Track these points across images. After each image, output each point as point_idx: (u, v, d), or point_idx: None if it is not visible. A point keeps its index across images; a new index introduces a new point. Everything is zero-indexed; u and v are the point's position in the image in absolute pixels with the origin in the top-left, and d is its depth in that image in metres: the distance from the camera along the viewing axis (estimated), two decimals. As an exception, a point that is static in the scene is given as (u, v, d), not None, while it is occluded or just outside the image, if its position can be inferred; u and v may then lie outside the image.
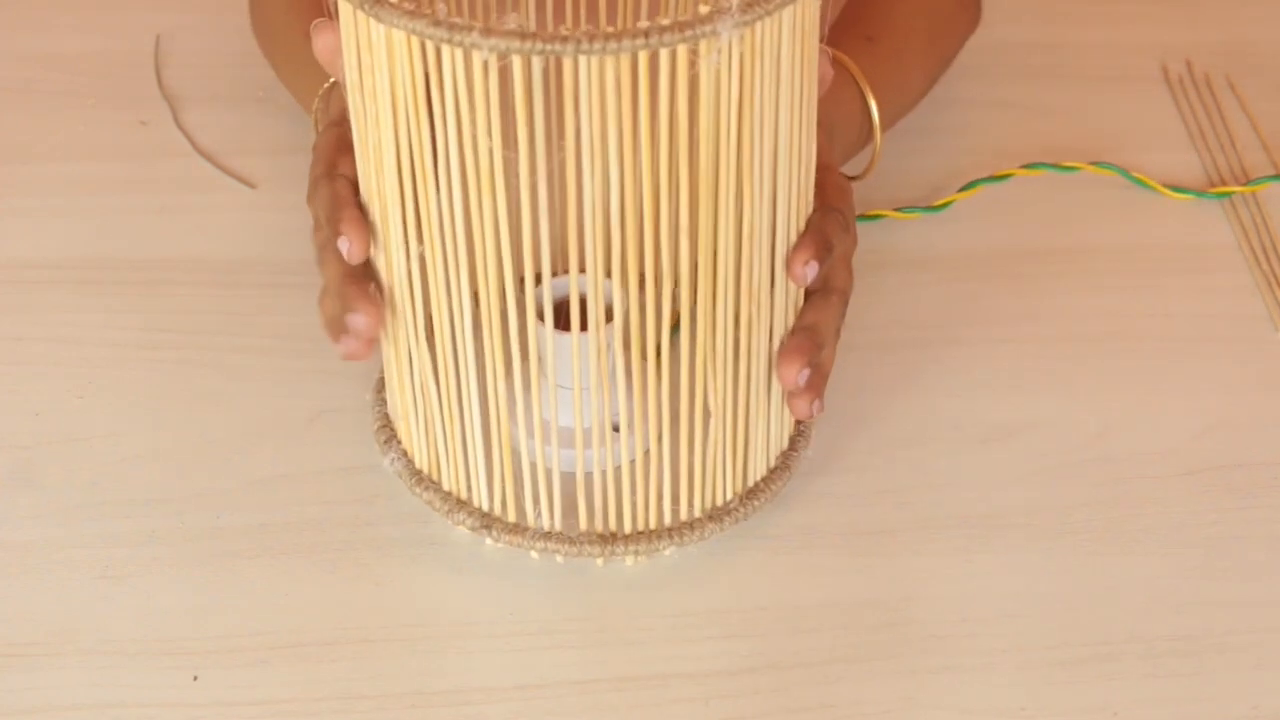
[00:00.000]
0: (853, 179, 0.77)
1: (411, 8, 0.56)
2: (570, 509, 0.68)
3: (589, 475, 0.66)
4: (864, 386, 0.77)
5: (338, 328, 0.67)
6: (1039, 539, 0.71)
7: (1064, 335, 0.81)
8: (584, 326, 0.63)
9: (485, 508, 0.69)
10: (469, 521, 0.68)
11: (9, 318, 0.81)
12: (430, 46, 0.57)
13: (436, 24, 0.55)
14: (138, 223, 0.86)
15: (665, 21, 0.55)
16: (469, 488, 0.69)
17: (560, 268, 0.61)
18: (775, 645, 0.67)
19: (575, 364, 0.64)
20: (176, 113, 0.94)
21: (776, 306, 0.66)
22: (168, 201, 0.88)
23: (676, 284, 0.62)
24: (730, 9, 0.55)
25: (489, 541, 0.69)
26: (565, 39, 0.54)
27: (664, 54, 0.56)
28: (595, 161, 0.58)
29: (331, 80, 0.76)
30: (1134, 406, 0.77)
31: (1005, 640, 0.67)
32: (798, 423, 0.72)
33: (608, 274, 0.61)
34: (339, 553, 0.70)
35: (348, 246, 0.65)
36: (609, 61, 0.55)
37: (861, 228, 0.83)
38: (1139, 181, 0.89)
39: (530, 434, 0.68)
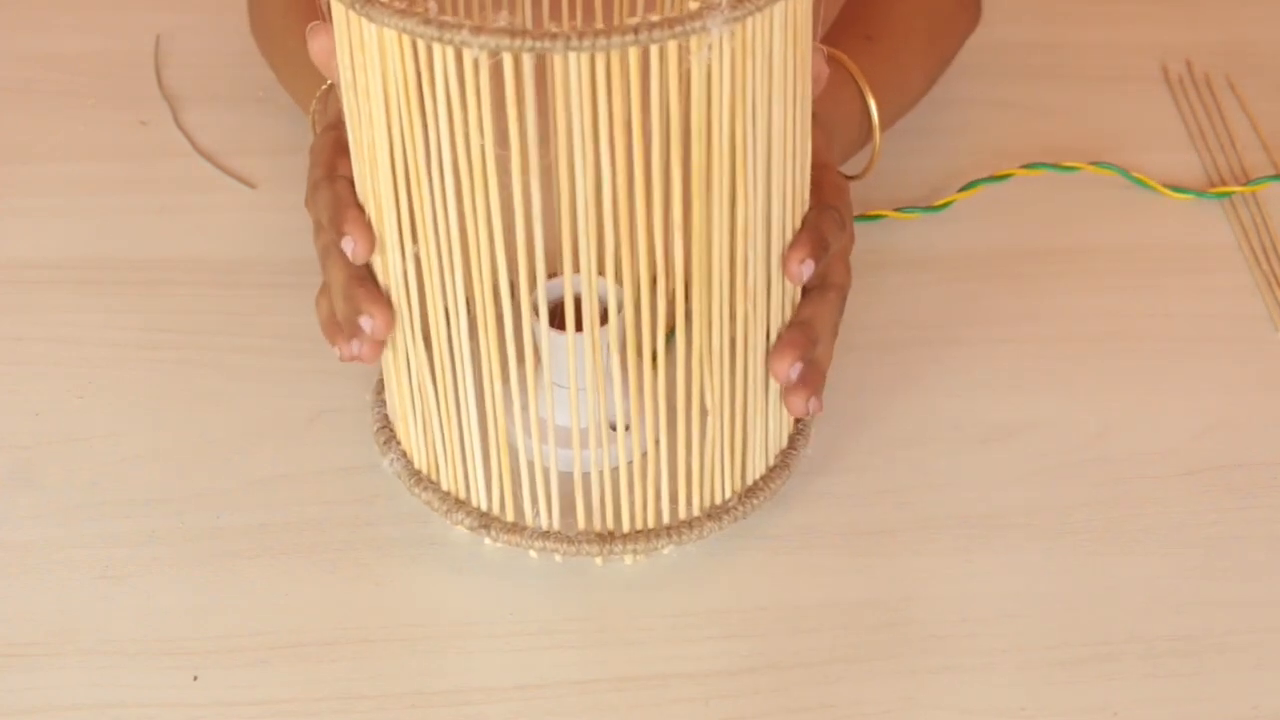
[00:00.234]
0: (851, 178, 0.77)
1: (402, 7, 0.56)
2: (569, 508, 0.68)
3: (587, 474, 0.66)
4: (864, 386, 0.77)
5: (336, 329, 0.67)
6: (1039, 539, 0.71)
7: (1064, 335, 0.81)
8: (579, 326, 0.63)
9: (484, 507, 0.69)
10: (467, 521, 0.68)
11: (9, 318, 0.81)
12: (421, 45, 0.57)
13: (427, 22, 0.55)
14: (138, 223, 0.86)
15: (655, 18, 0.55)
16: (467, 488, 0.69)
17: (556, 267, 0.61)
18: (775, 645, 0.67)
19: (571, 363, 0.64)
20: (176, 113, 0.94)
21: (773, 304, 0.66)
22: (168, 201, 0.88)
23: (672, 284, 0.62)
24: (720, 5, 0.55)
25: (488, 541, 0.69)
26: (555, 36, 0.54)
27: (654, 51, 0.56)
28: (587, 159, 0.58)
29: (329, 82, 0.77)
30: (1134, 406, 0.77)
31: (1005, 640, 0.67)
32: (797, 421, 0.72)
33: (601, 273, 0.61)
34: (339, 553, 0.70)
35: (352, 246, 0.65)
36: (599, 58, 0.55)
37: (861, 228, 0.83)
38: (1139, 181, 0.88)
39: (528, 433, 0.68)
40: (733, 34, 0.57)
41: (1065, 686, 0.66)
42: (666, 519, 0.68)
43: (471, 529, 0.69)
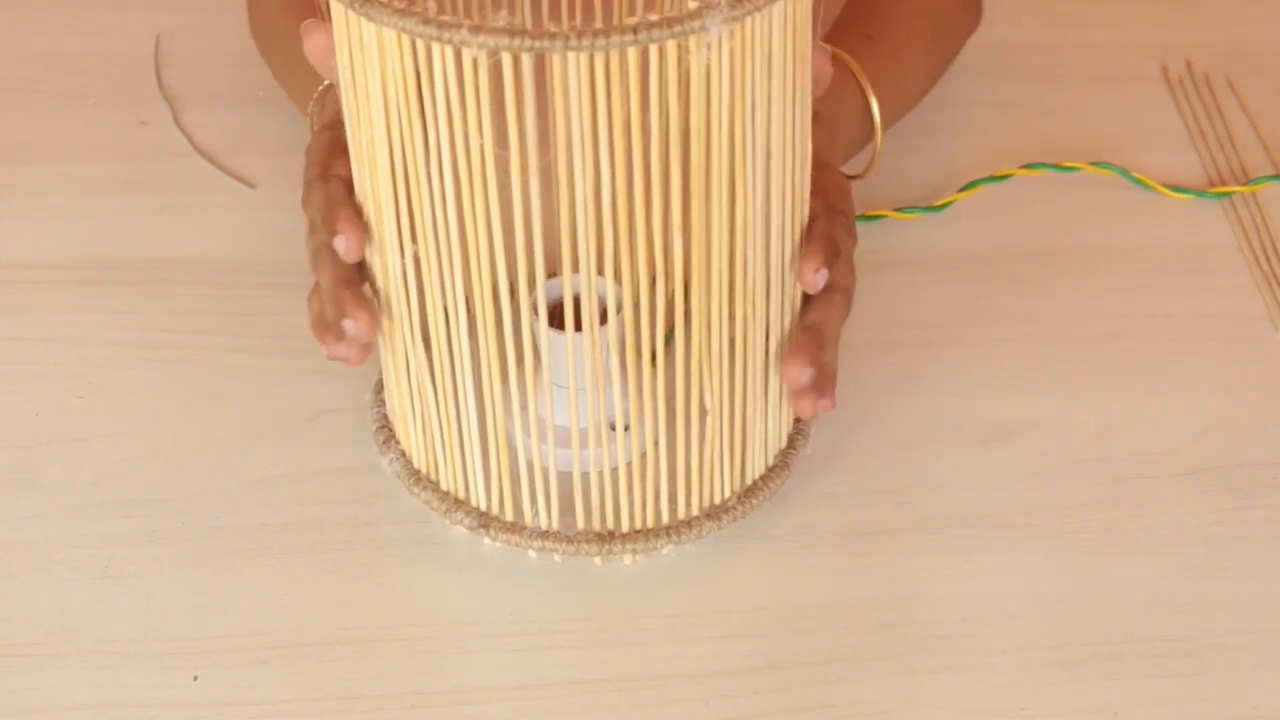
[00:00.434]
0: (852, 178, 0.77)
1: (401, 6, 0.56)
2: (568, 508, 0.68)
3: (586, 474, 0.66)
4: (864, 386, 0.77)
5: (325, 328, 0.66)
6: (1039, 539, 0.71)
7: (1064, 335, 0.81)
8: (579, 326, 0.63)
9: (483, 507, 0.69)
10: (467, 521, 0.68)
11: (9, 318, 0.81)
12: (421, 45, 0.57)
13: (426, 22, 0.55)
14: (138, 223, 0.86)
15: (654, 18, 0.55)
16: (467, 487, 0.69)
17: (556, 267, 0.61)
18: (775, 645, 0.67)
19: (570, 363, 0.64)
20: (176, 113, 0.94)
21: (773, 304, 0.66)
22: (168, 201, 0.88)
23: (671, 284, 0.62)
24: (720, 5, 0.55)
25: (487, 541, 0.69)
26: (554, 35, 0.54)
27: (654, 51, 0.56)
28: (586, 159, 0.58)
29: (326, 82, 0.77)
30: (1134, 406, 0.77)
31: (1005, 640, 0.67)
32: (796, 421, 0.72)
33: (601, 273, 0.61)
34: (339, 553, 0.70)
35: (344, 245, 0.65)
36: (599, 58, 0.55)
37: (862, 228, 0.83)
38: (1139, 181, 0.88)
39: (527, 433, 0.68)
40: (732, 34, 0.57)
41: (1065, 686, 0.66)
42: (666, 519, 0.68)
43: (471, 529, 0.69)
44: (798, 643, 0.67)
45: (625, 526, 0.68)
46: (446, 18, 0.55)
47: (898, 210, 0.86)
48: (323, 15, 0.62)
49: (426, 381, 0.66)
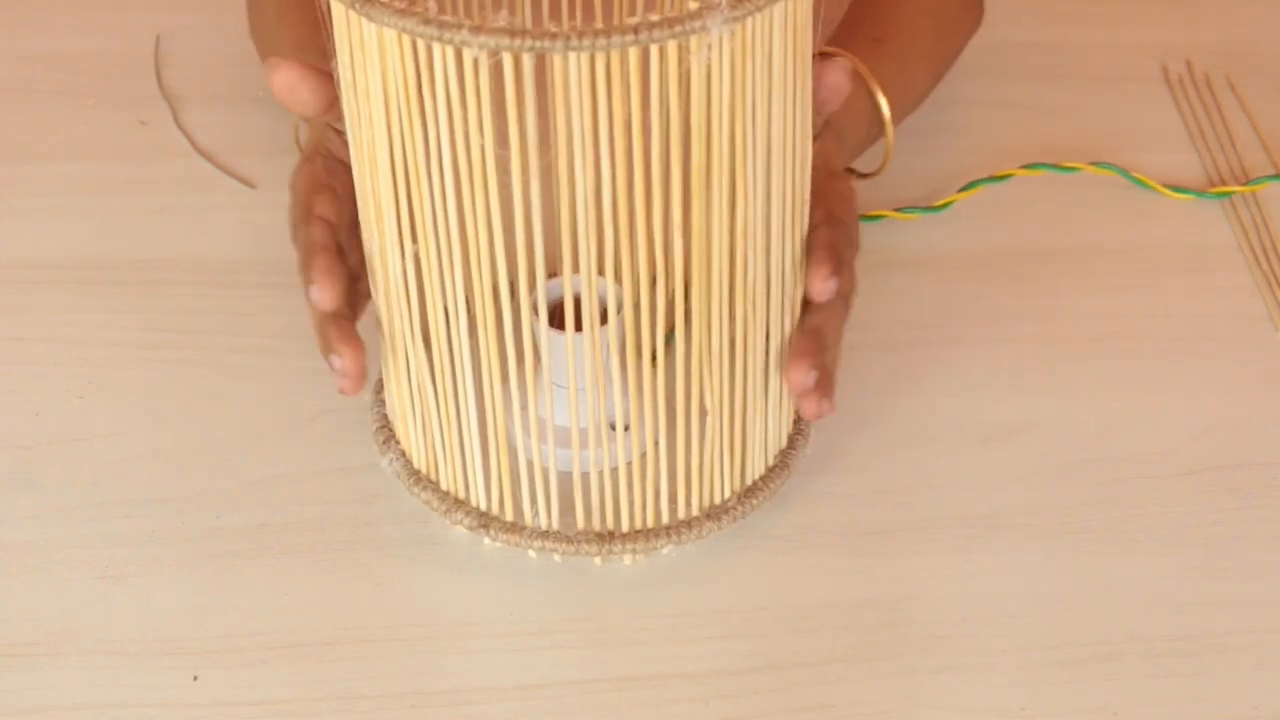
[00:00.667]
0: (865, 176, 0.77)
1: (402, 6, 0.56)
2: (568, 508, 0.68)
3: (586, 474, 0.66)
4: (864, 386, 0.77)
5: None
6: (1039, 539, 0.71)
7: (1064, 335, 0.81)
8: (579, 326, 0.63)
9: (483, 507, 0.69)
10: (467, 521, 0.68)
11: (9, 318, 0.81)
12: (421, 45, 0.57)
13: (427, 22, 0.55)
14: (138, 223, 0.86)
15: (655, 18, 0.55)
16: (466, 487, 0.69)
17: (556, 267, 0.61)
18: (775, 645, 0.67)
19: (570, 363, 0.64)
20: (176, 113, 0.94)
21: (773, 304, 0.66)
22: (168, 201, 0.88)
23: (671, 284, 0.62)
24: (720, 5, 0.55)
25: (486, 541, 0.69)
26: (555, 36, 0.54)
27: (654, 51, 0.56)
28: (587, 159, 0.58)
29: None
30: (1134, 406, 0.77)
31: (1005, 640, 0.67)
32: (796, 422, 0.72)
33: (601, 273, 0.61)
34: (339, 553, 0.70)
35: (318, 295, 0.66)
36: (599, 58, 0.55)
37: (862, 228, 0.83)
38: (1139, 181, 0.88)
39: (527, 433, 0.68)
40: (732, 34, 0.57)
41: (1065, 686, 0.66)
42: (666, 519, 0.68)
43: (470, 528, 0.69)
44: (798, 643, 0.67)
45: (625, 526, 0.68)
46: (447, 18, 0.55)
47: (898, 210, 0.86)
48: (324, 17, 0.62)
49: (426, 381, 0.66)
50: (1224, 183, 0.90)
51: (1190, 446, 0.75)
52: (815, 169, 0.67)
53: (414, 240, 0.63)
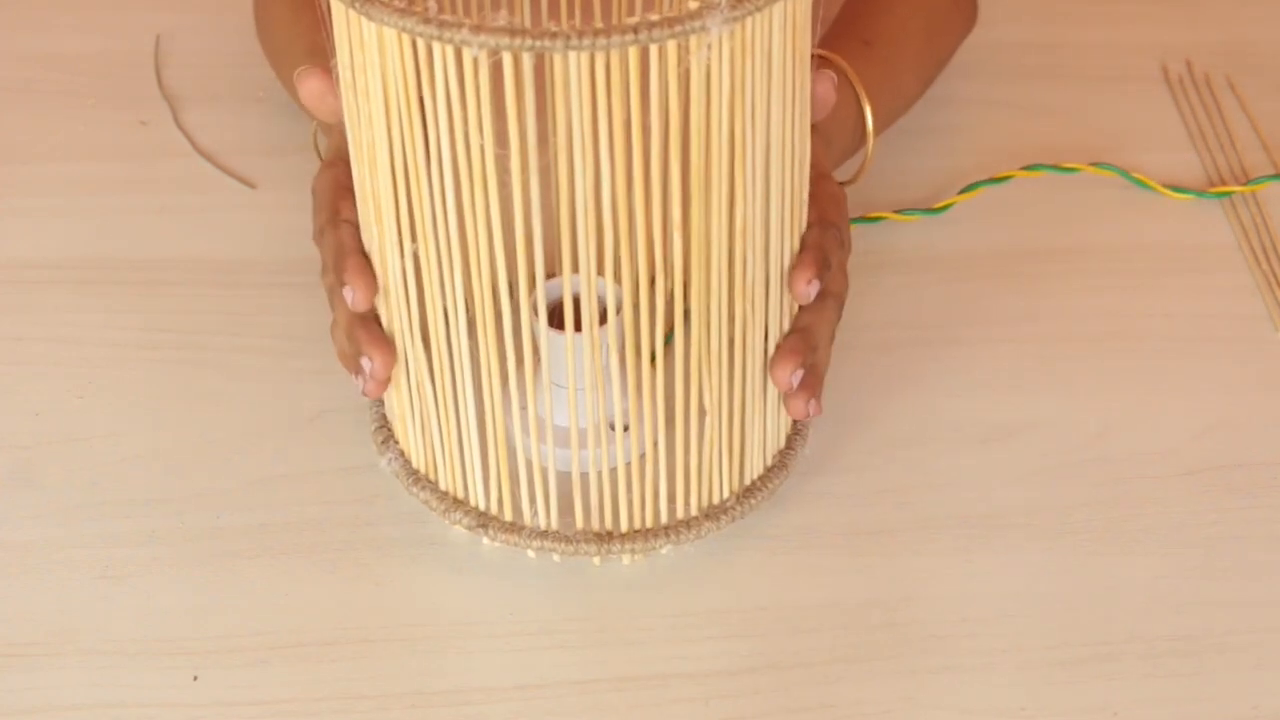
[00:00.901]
0: (842, 184, 0.77)
1: (402, 5, 0.56)
2: (567, 508, 0.68)
3: (585, 474, 0.66)
4: (864, 386, 0.77)
5: (353, 363, 0.67)
6: (1039, 539, 0.71)
7: (1064, 335, 0.81)
8: (578, 326, 0.63)
9: (482, 507, 0.69)
10: (466, 521, 0.68)
11: (9, 318, 0.81)
12: (421, 44, 0.57)
13: (426, 21, 0.55)
14: (138, 223, 0.86)
15: (654, 18, 0.55)
16: (465, 487, 0.69)
17: (555, 267, 0.61)
18: (775, 645, 0.67)
19: (570, 363, 0.64)
20: (176, 113, 0.94)
21: (771, 305, 0.66)
22: (168, 201, 0.88)
23: (670, 284, 0.62)
24: (720, 5, 0.55)
25: (485, 540, 0.69)
26: (555, 35, 0.54)
27: (654, 50, 0.56)
28: (586, 159, 0.58)
29: None
30: (1134, 406, 0.77)
31: (1005, 640, 0.67)
32: (795, 422, 0.72)
33: (601, 273, 0.61)
34: (339, 553, 0.70)
35: (352, 295, 0.66)
36: (599, 58, 0.55)
37: (862, 230, 0.84)
38: (1139, 182, 0.88)
39: (526, 433, 0.68)
40: (732, 34, 0.57)
41: (1065, 686, 0.66)
42: (665, 519, 0.68)
43: (469, 528, 0.69)
44: (798, 643, 0.67)
45: (624, 526, 0.68)
46: (447, 17, 0.55)
47: (898, 212, 0.86)
48: (324, 16, 0.62)
49: (426, 381, 0.66)
50: (1224, 183, 0.90)
51: (1190, 446, 0.75)
52: None
53: (413, 240, 0.63)
